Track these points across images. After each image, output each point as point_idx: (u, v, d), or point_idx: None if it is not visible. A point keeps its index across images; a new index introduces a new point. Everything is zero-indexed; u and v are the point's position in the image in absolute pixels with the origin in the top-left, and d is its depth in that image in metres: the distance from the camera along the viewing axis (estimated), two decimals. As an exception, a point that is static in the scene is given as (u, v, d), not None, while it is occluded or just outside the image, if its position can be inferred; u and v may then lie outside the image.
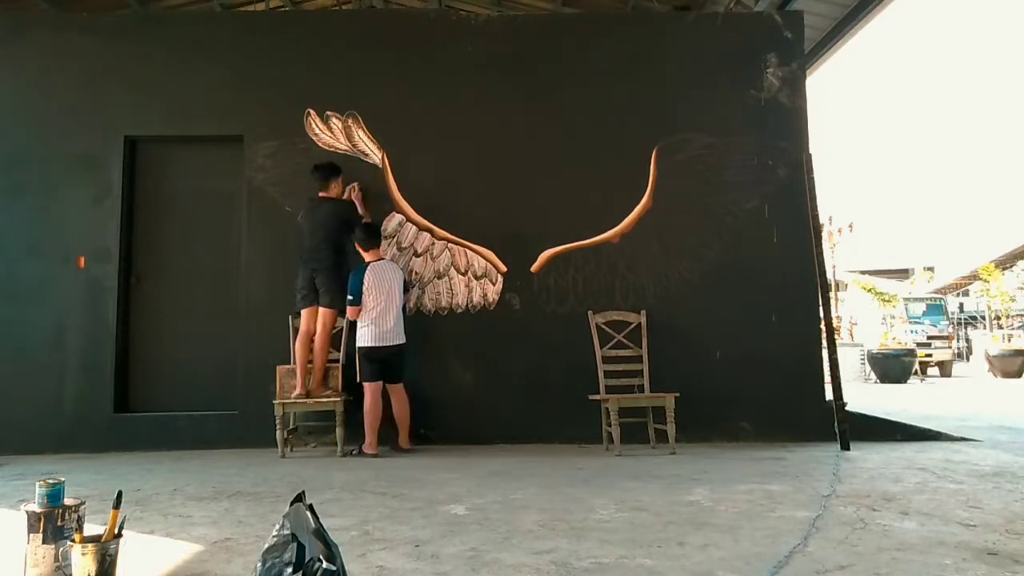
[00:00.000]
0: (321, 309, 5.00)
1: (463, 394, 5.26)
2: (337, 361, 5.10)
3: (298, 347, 5.02)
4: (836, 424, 4.78)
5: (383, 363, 4.87)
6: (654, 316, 5.27)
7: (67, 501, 2.18)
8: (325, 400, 4.88)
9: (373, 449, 4.77)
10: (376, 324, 4.83)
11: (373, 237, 5.03)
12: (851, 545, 2.40)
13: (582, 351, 5.16)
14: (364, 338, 4.85)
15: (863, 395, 9.83)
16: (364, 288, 4.84)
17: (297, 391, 4.90)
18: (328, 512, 2.96)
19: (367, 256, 4.97)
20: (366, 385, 4.84)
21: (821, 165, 6.63)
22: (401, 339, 4.91)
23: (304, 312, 5.04)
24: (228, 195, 5.51)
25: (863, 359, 15.03)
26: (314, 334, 5.01)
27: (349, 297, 4.86)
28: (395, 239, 5.38)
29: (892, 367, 14.13)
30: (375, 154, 5.46)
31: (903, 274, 31.45)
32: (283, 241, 5.33)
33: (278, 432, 4.73)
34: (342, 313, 5.04)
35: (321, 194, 5.13)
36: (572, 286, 5.37)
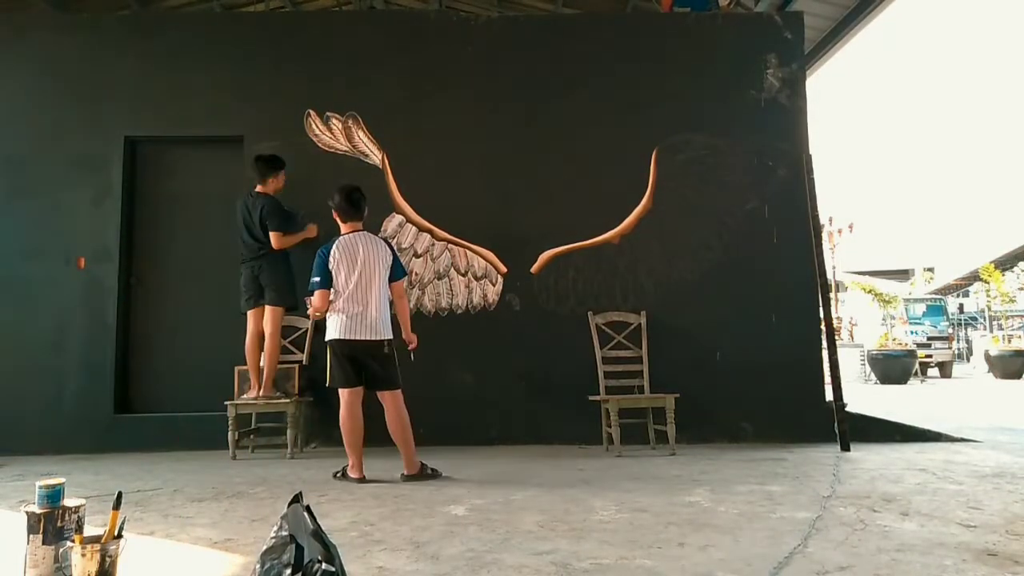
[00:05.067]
0: (267, 308, 4.90)
1: (463, 394, 5.25)
2: (300, 362, 5.06)
3: (248, 348, 4.92)
4: (836, 425, 4.78)
5: (357, 362, 3.89)
6: (654, 317, 5.26)
7: (67, 502, 2.18)
8: (276, 402, 4.79)
9: (357, 472, 3.82)
10: (346, 310, 3.86)
11: (352, 206, 4.02)
12: (851, 546, 2.40)
13: (582, 351, 5.15)
14: (332, 329, 3.90)
15: (863, 396, 9.83)
16: (331, 267, 3.90)
17: (252, 392, 4.87)
18: (328, 513, 2.96)
19: (343, 228, 4.06)
20: (340, 392, 3.92)
21: (821, 165, 6.62)
22: (385, 333, 3.91)
23: (250, 313, 4.95)
24: (228, 195, 5.50)
25: (863, 360, 15.03)
26: (263, 334, 4.89)
27: (314, 279, 3.90)
28: (395, 240, 5.37)
29: (892, 368, 14.14)
30: (375, 154, 5.46)
31: (903, 275, 31.45)
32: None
33: (229, 433, 4.69)
34: (292, 310, 4.96)
35: (258, 188, 4.98)
36: (572, 287, 5.37)
